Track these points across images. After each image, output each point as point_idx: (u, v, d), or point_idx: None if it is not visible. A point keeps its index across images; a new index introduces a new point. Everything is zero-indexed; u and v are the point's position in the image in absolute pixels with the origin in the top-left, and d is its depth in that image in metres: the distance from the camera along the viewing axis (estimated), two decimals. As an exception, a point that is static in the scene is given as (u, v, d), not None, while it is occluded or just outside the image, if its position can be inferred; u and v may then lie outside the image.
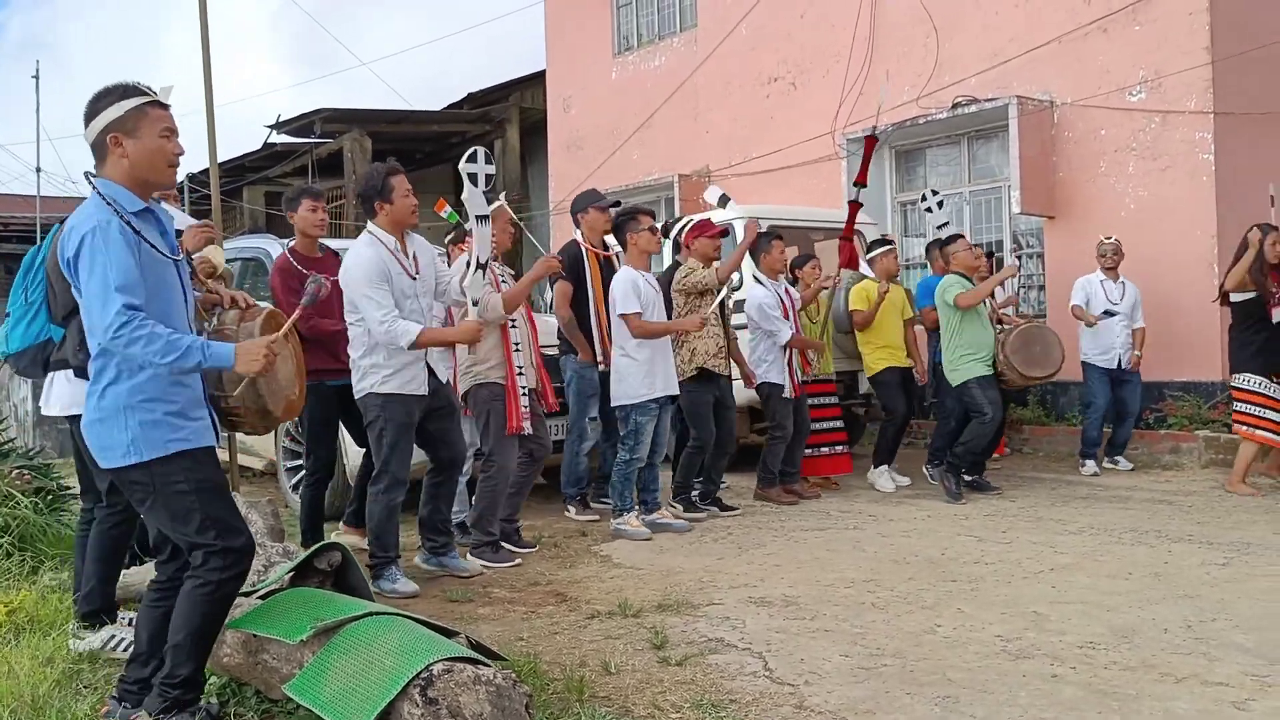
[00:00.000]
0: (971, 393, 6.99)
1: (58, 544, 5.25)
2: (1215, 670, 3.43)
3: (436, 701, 2.60)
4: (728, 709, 3.20)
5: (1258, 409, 6.74)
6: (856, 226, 8.65)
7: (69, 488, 5.93)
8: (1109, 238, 7.95)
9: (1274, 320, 6.73)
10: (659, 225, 6.45)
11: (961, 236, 7.48)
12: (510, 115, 17.78)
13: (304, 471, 5.78)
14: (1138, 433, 8.23)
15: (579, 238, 6.71)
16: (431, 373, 4.95)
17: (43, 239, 3.96)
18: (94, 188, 2.87)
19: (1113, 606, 4.24)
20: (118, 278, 2.73)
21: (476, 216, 4.90)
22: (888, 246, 7.73)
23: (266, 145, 18.43)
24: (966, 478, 7.20)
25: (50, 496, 5.65)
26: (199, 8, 5.13)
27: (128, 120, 2.87)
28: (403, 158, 19.29)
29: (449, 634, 3.01)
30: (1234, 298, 6.88)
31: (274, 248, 7.50)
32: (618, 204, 6.47)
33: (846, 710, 3.18)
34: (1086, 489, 7.24)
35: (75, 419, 3.53)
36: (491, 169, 5.07)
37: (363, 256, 4.73)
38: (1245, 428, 6.80)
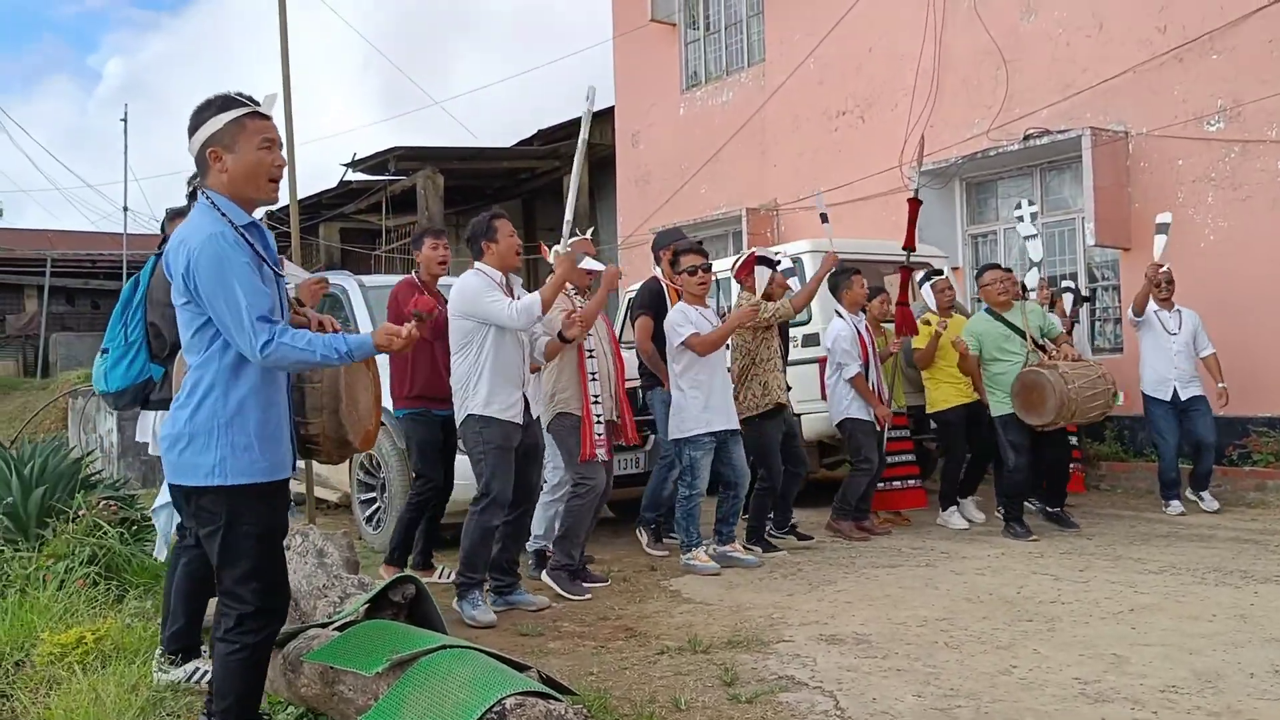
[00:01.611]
0: (996, 427, 6.89)
1: (142, 573, 5.40)
2: (1305, 717, 3.33)
3: (509, 735, 2.63)
4: (799, 748, 3.18)
5: None
6: (927, 260, 8.62)
7: (151, 520, 6.11)
8: (1162, 266, 7.68)
9: None
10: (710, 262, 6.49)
11: (993, 268, 7.24)
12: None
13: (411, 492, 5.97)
14: (1220, 469, 8.00)
15: (658, 274, 6.78)
16: (526, 408, 5.04)
17: (129, 275, 4.09)
18: (205, 197, 2.86)
19: (1196, 649, 4.13)
20: (247, 293, 2.74)
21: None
22: (937, 277, 7.65)
23: (342, 183, 18.87)
24: (1049, 509, 7.09)
25: (135, 526, 5.82)
26: (280, 47, 5.31)
27: (226, 133, 2.85)
28: (473, 193, 19.77)
29: (521, 668, 3.04)
30: None
31: (350, 284, 7.69)
32: (700, 244, 6.52)
33: (920, 752, 3.14)
34: (1167, 527, 7.07)
35: None
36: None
37: (470, 281, 4.99)
38: None
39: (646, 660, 4.24)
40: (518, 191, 19.76)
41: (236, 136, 2.86)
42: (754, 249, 7.00)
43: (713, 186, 13.31)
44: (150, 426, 4.17)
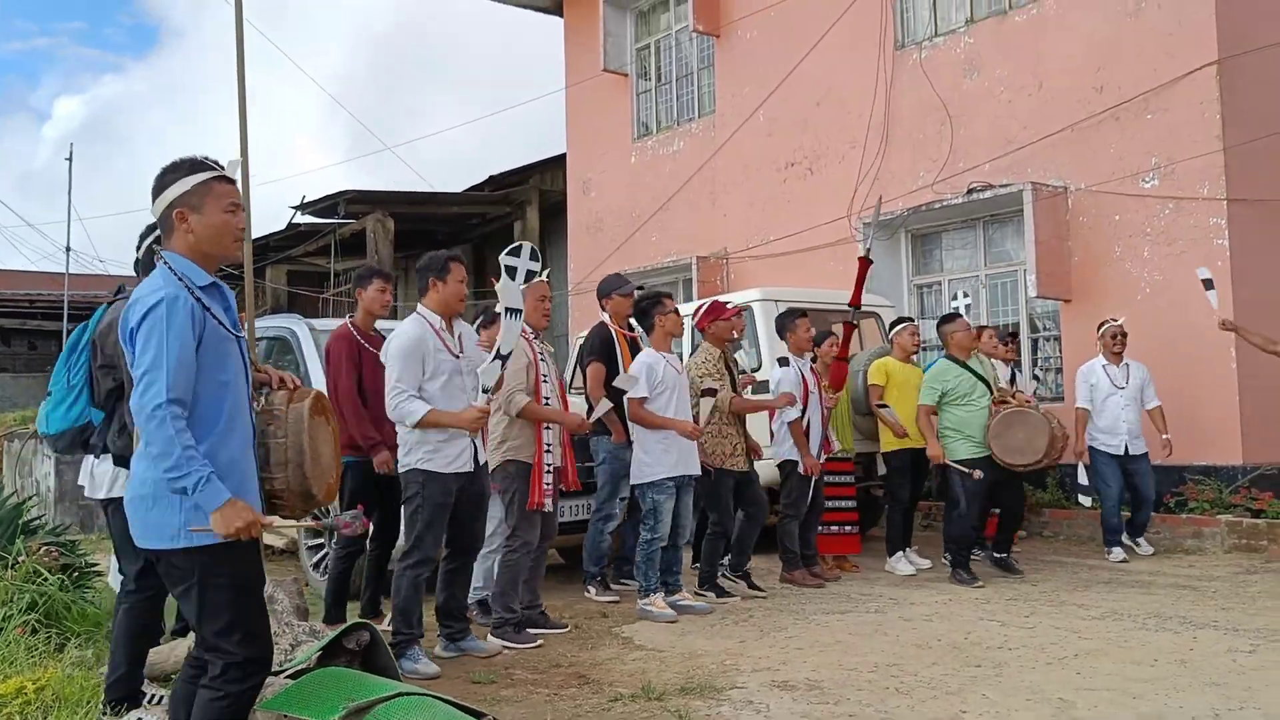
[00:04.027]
0: (952, 474, 7.01)
1: (83, 620, 5.29)
2: (1245, 760, 3.41)
3: (467, 783, 2.62)
4: (754, 795, 3.19)
5: None
6: (873, 308, 8.78)
7: (95, 565, 6.00)
8: (1115, 320, 7.94)
9: None
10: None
11: (959, 317, 7.44)
12: (530, 197, 18.08)
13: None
14: (1159, 517, 8.20)
15: (606, 319, 6.84)
16: (476, 459, 5.02)
17: (70, 316, 4.07)
18: (164, 261, 2.88)
19: (1139, 694, 4.21)
20: (173, 365, 2.73)
21: (508, 309, 4.97)
22: (907, 323, 7.81)
23: (291, 225, 18.77)
24: (995, 555, 7.20)
25: (76, 574, 5.69)
26: (238, 95, 5.30)
27: (193, 195, 2.89)
28: (423, 238, 19.73)
29: (477, 715, 3.03)
30: None
31: (299, 327, 7.65)
32: (641, 288, 6.60)
33: (874, 797, 3.17)
34: (1108, 573, 7.21)
35: (118, 501, 3.56)
36: (536, 265, 5.16)
37: (403, 332, 4.93)
38: None
39: (600, 708, 4.23)
40: (468, 236, 19.77)
41: (204, 199, 2.91)
42: (715, 297, 7.11)
43: (663, 234, 13.45)
44: (89, 470, 4.11)
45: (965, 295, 7.93)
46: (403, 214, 17.62)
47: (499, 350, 4.90)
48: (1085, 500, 8.18)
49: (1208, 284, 7.53)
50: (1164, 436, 7.75)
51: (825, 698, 4.27)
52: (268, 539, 7.64)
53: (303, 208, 17.82)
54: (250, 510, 2.79)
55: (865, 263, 7.66)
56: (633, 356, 6.58)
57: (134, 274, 4.77)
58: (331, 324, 8.11)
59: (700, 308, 6.94)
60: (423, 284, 5.05)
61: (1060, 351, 9.85)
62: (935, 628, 5.58)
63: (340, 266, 18.61)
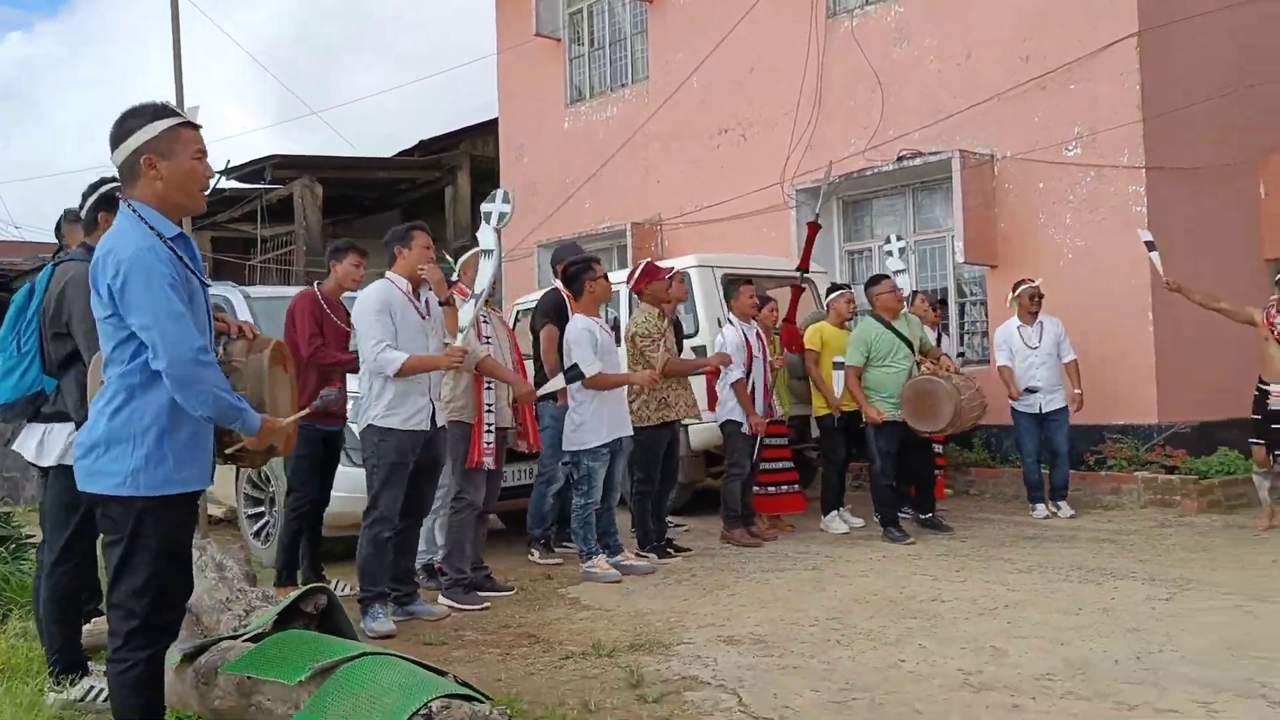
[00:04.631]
0: (868, 433, 7.22)
1: (23, 591, 5.24)
2: (1165, 699, 3.62)
3: (436, 737, 2.70)
4: (708, 743, 3.32)
5: None
6: (810, 275, 8.93)
7: (31, 536, 5.91)
8: (1032, 281, 8.15)
9: None
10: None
11: (885, 278, 7.58)
12: (461, 162, 17.95)
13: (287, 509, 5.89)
14: (1079, 474, 8.51)
15: (559, 285, 6.88)
16: (434, 420, 5.07)
17: (19, 281, 3.99)
18: (132, 210, 2.83)
19: (1066, 640, 4.43)
20: (178, 313, 2.73)
21: (483, 250, 5.14)
22: (843, 290, 7.96)
23: (215, 190, 18.36)
24: (921, 517, 7.43)
25: (14, 545, 5.62)
26: (174, 58, 5.22)
27: (161, 141, 2.83)
28: (353, 204, 19.46)
29: (439, 674, 3.10)
30: None
31: (234, 295, 7.56)
32: (597, 259, 6.65)
33: (822, 742, 3.31)
34: (1033, 529, 7.49)
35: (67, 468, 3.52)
36: (509, 208, 5.33)
37: (372, 292, 5.07)
38: None
39: (552, 665, 4.33)
40: (398, 202, 19.58)
41: (173, 145, 2.85)
42: (648, 259, 7.19)
43: (597, 201, 13.47)
44: (38, 439, 4.03)
45: (900, 239, 8.06)
46: (331, 179, 17.39)
47: (474, 292, 5.12)
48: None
49: (1150, 245, 7.71)
50: (1075, 391, 8.02)
51: (770, 650, 4.42)
52: (210, 509, 7.60)
53: (228, 172, 17.45)
54: (278, 426, 2.96)
55: (814, 227, 7.83)
56: None
57: (54, 240, 4.70)
58: (269, 291, 8.07)
59: (636, 269, 7.02)
60: (390, 255, 5.16)
61: (986, 316, 10.12)
62: (871, 583, 5.77)
63: (267, 232, 18.30)
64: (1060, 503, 8.14)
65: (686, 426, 7.69)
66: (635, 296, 7.05)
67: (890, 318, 7.34)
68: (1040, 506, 8.02)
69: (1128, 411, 8.89)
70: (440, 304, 5.31)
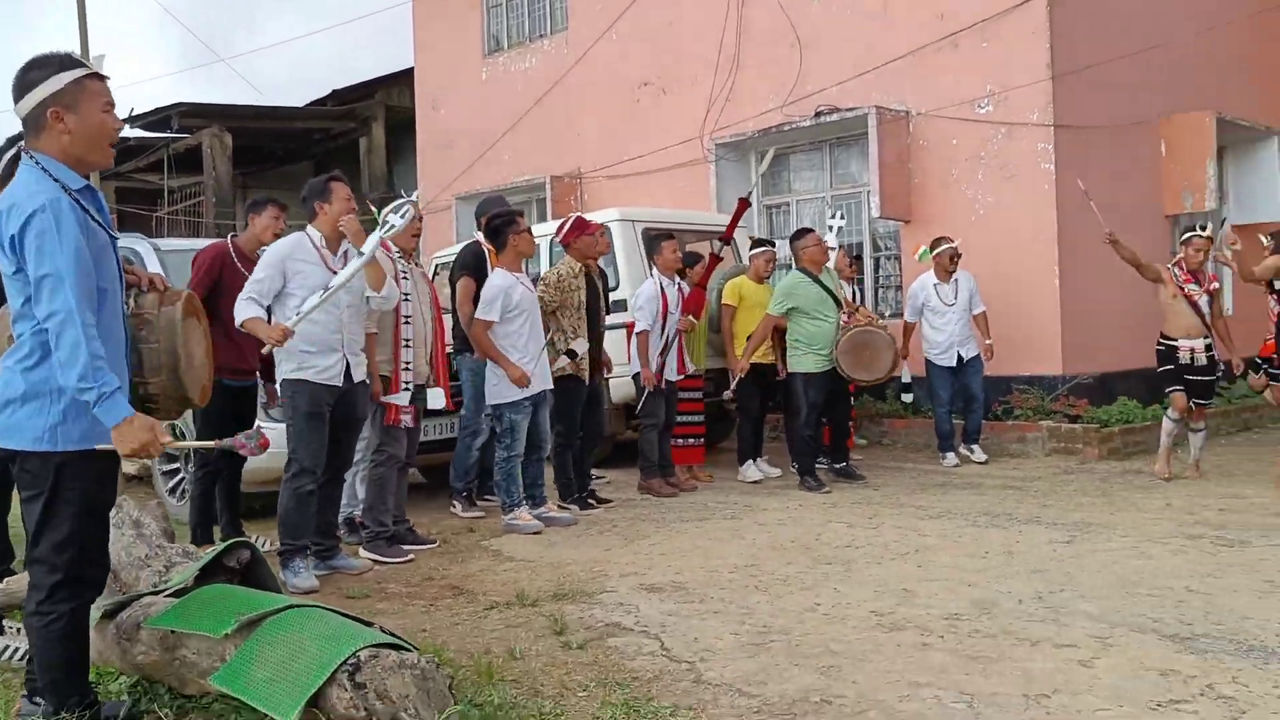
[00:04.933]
0: (796, 384, 7.36)
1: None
2: (1064, 634, 3.81)
3: (364, 685, 2.74)
4: (631, 686, 3.41)
5: None
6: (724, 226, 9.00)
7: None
8: (951, 241, 8.35)
9: None
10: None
11: (810, 231, 7.74)
12: (376, 113, 17.64)
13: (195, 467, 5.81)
14: (987, 424, 8.79)
15: (481, 238, 6.85)
16: (349, 375, 5.02)
17: None
18: (35, 163, 2.77)
19: (973, 582, 4.62)
20: (74, 271, 2.66)
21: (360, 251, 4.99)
22: (766, 248, 8.05)
23: (119, 139, 17.80)
24: (835, 466, 7.62)
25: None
26: (77, 2, 5.04)
27: (68, 93, 2.78)
28: (265, 154, 18.99)
29: (366, 625, 3.13)
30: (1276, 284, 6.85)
31: (143, 247, 7.38)
32: (520, 213, 6.61)
33: (741, 682, 3.43)
34: (943, 477, 7.73)
35: None
36: (404, 223, 5.16)
37: (278, 245, 5.04)
38: None
39: (476, 616, 4.38)
40: (312, 153, 19.19)
41: (78, 97, 2.80)
42: (579, 214, 7.21)
43: (516, 153, 13.36)
44: None
45: (841, 216, 8.31)
46: (241, 129, 16.95)
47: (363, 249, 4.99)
48: (906, 398, 9.00)
49: (1086, 195, 7.80)
50: (986, 341, 8.32)
51: (690, 597, 4.53)
52: (124, 465, 7.45)
53: (131, 120, 16.91)
54: (152, 430, 2.78)
55: (744, 204, 7.92)
56: None
57: None
58: (180, 243, 7.87)
59: (565, 223, 7.01)
60: (310, 210, 5.05)
61: (900, 270, 10.33)
62: (788, 531, 5.92)
63: (175, 183, 17.79)
64: (974, 446, 8.43)
65: (607, 380, 7.75)
66: (563, 249, 7.02)
67: (816, 271, 7.46)
68: (950, 455, 8.28)
69: (1034, 363, 9.18)
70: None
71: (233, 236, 5.85)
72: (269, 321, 4.87)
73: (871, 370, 7.35)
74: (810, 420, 7.34)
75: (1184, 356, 7.10)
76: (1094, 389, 9.04)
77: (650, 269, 7.45)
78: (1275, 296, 6.26)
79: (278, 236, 5.69)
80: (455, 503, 6.81)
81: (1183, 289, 7.14)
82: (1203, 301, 7.15)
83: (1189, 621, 3.93)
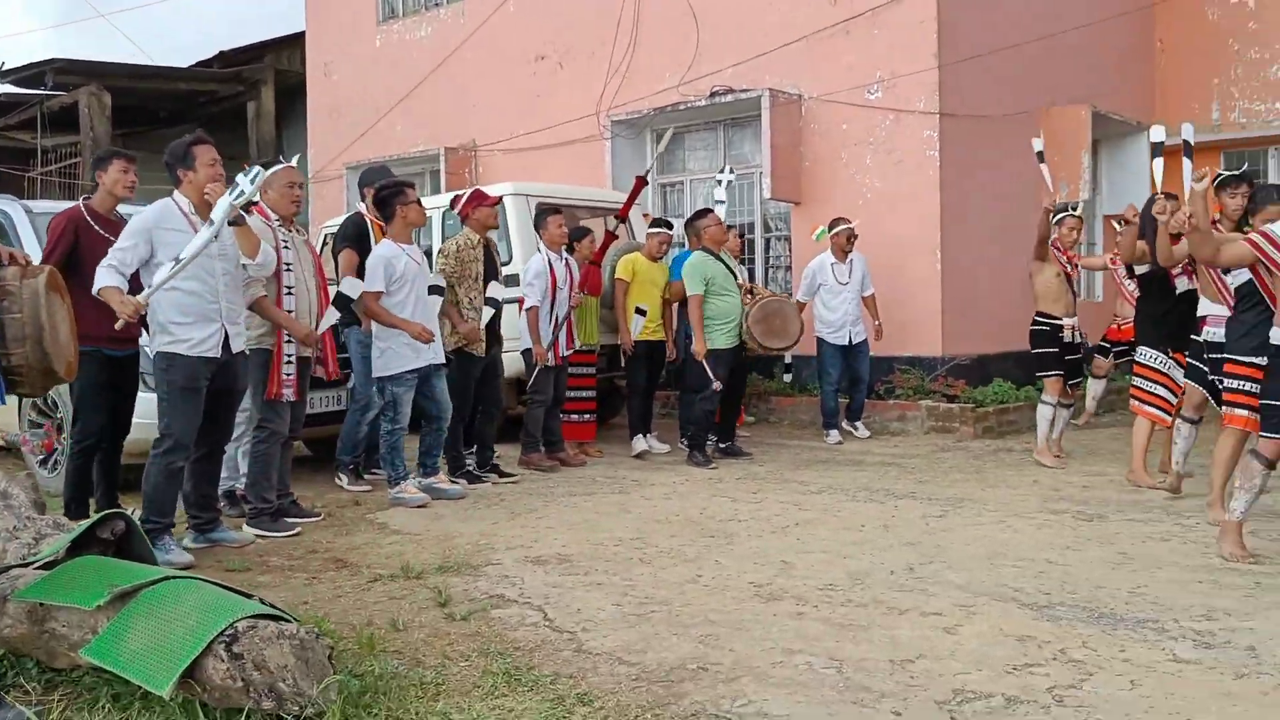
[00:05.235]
0: (707, 361, 7.49)
1: None
2: (931, 603, 3.99)
3: (242, 656, 2.72)
4: (513, 655, 3.45)
5: (1150, 384, 6.29)
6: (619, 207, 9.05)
7: None
8: (848, 222, 8.60)
9: (1177, 291, 6.16)
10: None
11: (711, 211, 7.87)
12: (265, 76, 17.13)
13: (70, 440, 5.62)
14: (870, 402, 9.06)
15: (363, 209, 6.75)
16: (228, 346, 4.90)
17: None
18: None
19: (849, 554, 4.78)
20: None
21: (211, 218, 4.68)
22: (661, 230, 8.12)
23: (-15, 95, 16.97)
24: (721, 445, 7.76)
25: None
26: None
27: None
28: (146, 116, 18.29)
29: (245, 596, 3.10)
30: (1137, 270, 6.45)
31: (14, 209, 7.09)
32: (411, 185, 6.52)
33: (621, 651, 3.50)
34: (826, 454, 7.95)
35: None
36: (252, 189, 4.83)
37: (146, 211, 4.81)
38: (1136, 403, 6.36)
39: (360, 588, 4.37)
40: (196, 115, 18.50)
41: None
42: (476, 187, 7.18)
43: (410, 123, 13.16)
44: None
45: (732, 171, 8.56)
46: (121, 88, 16.29)
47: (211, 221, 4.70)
48: (786, 377, 9.55)
49: (1040, 157, 7.83)
50: (876, 323, 8.60)
51: (575, 569, 4.59)
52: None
53: (1, 75, 16.13)
54: None
55: (641, 181, 7.99)
56: None
57: None
58: (52, 205, 7.56)
59: (462, 195, 6.99)
60: (173, 178, 4.87)
61: (790, 251, 10.52)
62: (673, 505, 6.03)
63: (49, 143, 17.03)
64: (857, 424, 8.71)
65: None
66: (461, 221, 6.96)
67: (717, 249, 7.57)
68: (834, 432, 8.51)
69: (915, 344, 9.47)
70: (230, 224, 4.85)
71: (85, 199, 5.56)
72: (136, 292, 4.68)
73: (783, 338, 7.66)
74: (714, 396, 7.46)
75: (1067, 335, 7.36)
76: (971, 370, 9.38)
77: (538, 244, 7.44)
78: (1136, 281, 6.52)
79: (130, 190, 5.43)
80: (341, 476, 6.74)
81: (1065, 267, 7.41)
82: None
83: (1047, 591, 4.14)
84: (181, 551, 4.83)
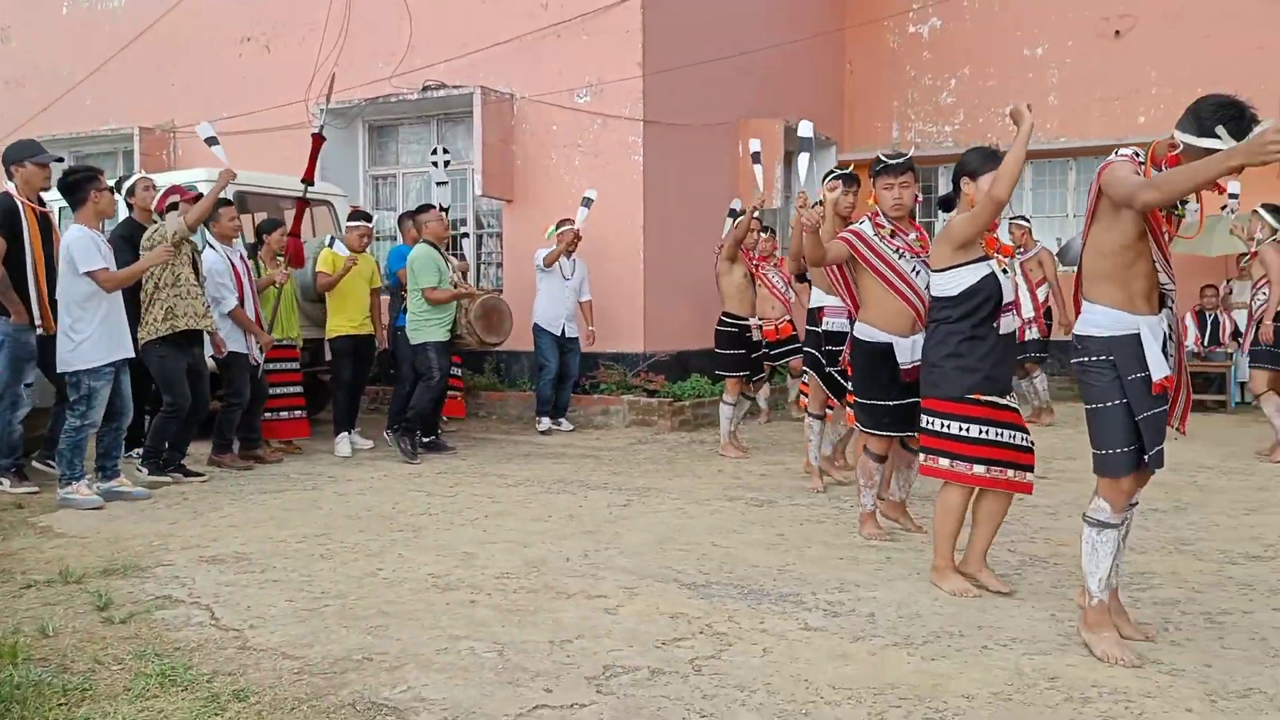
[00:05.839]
0: (427, 355, 7.52)
1: None
2: (598, 587, 4.22)
3: None
4: (172, 656, 3.38)
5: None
6: (327, 198, 8.91)
7: None
8: (572, 222, 8.91)
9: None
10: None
11: (432, 207, 7.98)
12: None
13: None
14: (575, 397, 9.34)
15: (12, 190, 6.28)
16: None
17: None
18: None
19: (530, 543, 4.96)
20: None
21: None
22: (360, 222, 8.02)
23: None
24: (423, 440, 7.78)
25: None
26: None
27: None
28: None
29: None
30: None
31: None
32: (60, 159, 6.14)
33: (287, 646, 3.50)
34: (530, 447, 8.14)
35: None
36: None
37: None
38: (804, 398, 6.81)
39: (10, 595, 4.12)
40: None
41: None
42: (174, 184, 6.86)
43: (101, 99, 12.29)
44: None
45: (446, 152, 9.31)
46: None
47: None
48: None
49: (755, 158, 8.29)
50: (589, 329, 8.92)
51: (252, 567, 4.52)
52: None
53: None
54: None
55: (319, 139, 7.88)
56: (43, 233, 6.20)
57: None
58: None
59: (160, 192, 6.72)
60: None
61: (502, 247, 10.66)
62: (367, 500, 6.02)
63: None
64: (562, 419, 9.01)
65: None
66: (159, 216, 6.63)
67: (438, 243, 7.59)
68: (546, 420, 8.81)
69: (620, 341, 9.85)
70: None
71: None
72: None
73: (499, 333, 8.02)
74: (439, 386, 7.48)
75: (755, 334, 7.88)
76: (670, 365, 9.86)
77: (208, 239, 7.17)
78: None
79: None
80: (2, 479, 6.26)
81: (756, 270, 8.15)
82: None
83: (706, 571, 4.47)
84: None
